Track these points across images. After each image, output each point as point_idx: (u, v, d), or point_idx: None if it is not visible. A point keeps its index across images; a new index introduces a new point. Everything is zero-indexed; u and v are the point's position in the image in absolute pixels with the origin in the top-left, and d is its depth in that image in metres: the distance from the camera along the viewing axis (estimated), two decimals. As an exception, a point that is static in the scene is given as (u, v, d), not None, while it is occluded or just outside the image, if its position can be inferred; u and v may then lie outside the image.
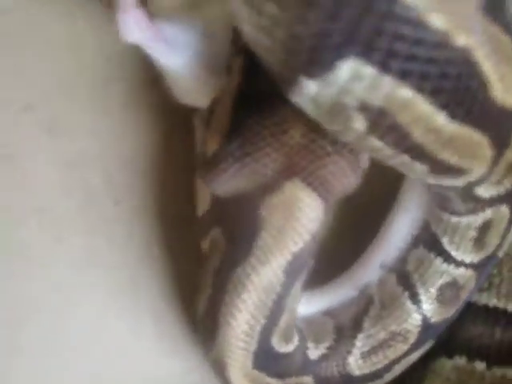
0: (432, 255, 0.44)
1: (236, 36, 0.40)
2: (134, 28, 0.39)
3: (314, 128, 0.36)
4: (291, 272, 0.39)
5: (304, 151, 0.37)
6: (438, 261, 0.44)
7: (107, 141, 0.44)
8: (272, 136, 0.36)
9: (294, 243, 0.38)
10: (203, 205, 0.41)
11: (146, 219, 0.44)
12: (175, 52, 0.41)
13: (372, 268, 0.47)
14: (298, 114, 0.36)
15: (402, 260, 0.46)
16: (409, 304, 0.45)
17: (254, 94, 0.37)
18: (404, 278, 0.45)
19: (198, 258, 0.42)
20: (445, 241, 0.44)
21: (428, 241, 0.45)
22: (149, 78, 0.44)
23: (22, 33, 0.42)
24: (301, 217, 0.37)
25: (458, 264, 0.44)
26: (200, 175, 0.39)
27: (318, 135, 0.36)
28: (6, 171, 0.42)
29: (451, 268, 0.44)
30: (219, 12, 0.41)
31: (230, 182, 0.37)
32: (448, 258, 0.44)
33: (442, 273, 0.44)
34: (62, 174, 0.43)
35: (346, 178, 0.38)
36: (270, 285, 0.39)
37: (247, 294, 0.39)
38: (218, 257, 0.40)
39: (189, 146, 0.44)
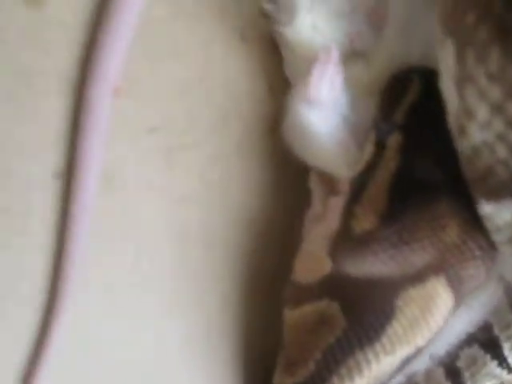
0: (488, 357, 0.45)
1: (389, 108, 0.39)
2: (327, 85, 0.37)
3: (466, 229, 0.37)
4: (405, 363, 0.38)
5: (455, 250, 0.37)
6: (493, 364, 0.45)
7: (214, 183, 0.41)
8: (431, 230, 0.36)
9: (422, 337, 0.37)
10: (312, 273, 0.39)
11: (233, 271, 0.42)
12: (329, 112, 0.39)
13: (421, 357, 0.47)
14: (454, 212, 0.36)
15: (453, 355, 0.46)
16: None
17: (412, 178, 0.37)
18: (453, 374, 0.46)
19: (275, 324, 0.40)
20: (506, 346, 0.45)
21: (486, 342, 0.45)
22: (267, 125, 0.42)
23: (160, 47, 0.38)
24: (436, 313, 0.37)
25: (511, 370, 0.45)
26: (337, 250, 0.37)
27: (468, 237, 0.37)
28: (109, 192, 0.37)
29: (504, 373, 0.45)
30: (365, 75, 0.40)
31: (374, 264, 0.36)
32: (503, 363, 0.45)
33: (493, 376, 0.45)
34: (163, 210, 0.39)
35: (479, 281, 0.38)
36: (382, 373, 0.38)
37: (360, 380, 0.37)
38: (331, 334, 0.38)
39: (295, 203, 0.42)
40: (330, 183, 0.41)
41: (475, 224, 0.36)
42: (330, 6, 0.40)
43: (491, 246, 0.37)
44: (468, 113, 0.31)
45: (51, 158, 0.36)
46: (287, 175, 0.43)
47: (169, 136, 0.39)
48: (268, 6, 0.40)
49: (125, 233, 0.38)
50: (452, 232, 0.36)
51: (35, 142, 0.35)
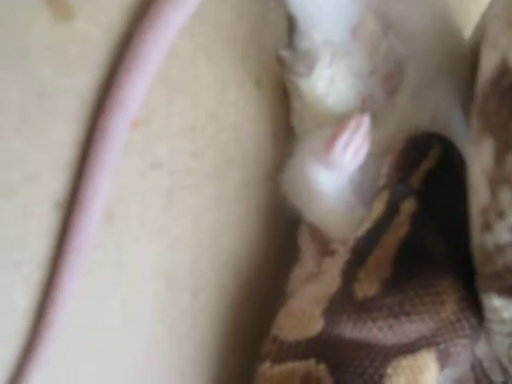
0: None
1: (407, 171, 0.38)
2: (352, 154, 0.36)
3: (462, 307, 0.37)
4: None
5: (450, 327, 0.37)
6: None
7: (207, 228, 0.39)
8: (432, 304, 0.36)
9: None
10: (299, 331, 0.38)
11: (215, 319, 0.40)
12: (337, 173, 0.38)
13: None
14: (453, 288, 0.37)
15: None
16: None
17: (420, 248, 0.37)
18: None
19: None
20: None
21: None
22: (267, 173, 0.41)
23: (178, 79, 0.36)
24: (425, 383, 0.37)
25: None
26: (335, 311, 0.36)
27: (463, 316, 0.37)
28: (105, 227, 0.35)
29: None
30: (373, 136, 0.39)
31: (371, 330, 0.36)
32: None
33: None
34: (154, 252, 0.37)
35: (463, 359, 0.38)
36: None
37: None
38: None
39: (285, 255, 0.41)
40: (322, 243, 0.40)
41: (470, 302, 0.37)
42: (350, 65, 0.39)
43: (479, 326, 0.37)
44: (499, 212, 0.31)
45: (54, 185, 0.32)
46: (279, 225, 0.41)
47: (172, 174, 0.37)
48: (285, 54, 0.39)
49: (114, 273, 0.35)
50: (449, 308, 0.36)
51: (40, 166, 0.32)
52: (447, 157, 0.38)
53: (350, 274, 0.37)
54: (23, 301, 0.32)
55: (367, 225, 0.37)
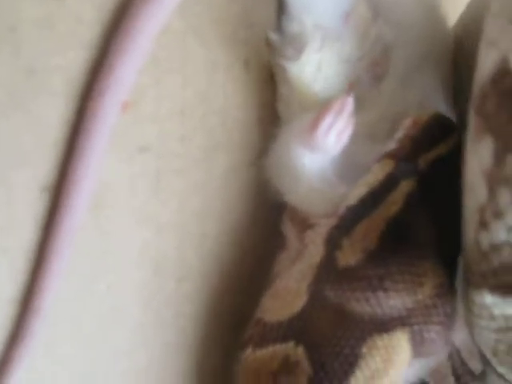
0: None
1: (417, 150, 0.37)
2: (335, 136, 0.36)
3: (439, 293, 0.37)
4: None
5: (425, 310, 0.37)
6: None
7: (192, 213, 0.38)
8: (411, 283, 0.36)
9: None
10: (282, 310, 0.37)
11: (198, 307, 0.39)
12: (321, 155, 0.38)
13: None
14: (434, 274, 0.37)
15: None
16: None
17: (408, 228, 0.37)
18: None
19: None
20: None
21: None
22: (252, 157, 0.40)
23: (168, 60, 0.35)
24: (398, 366, 0.37)
25: None
26: (320, 277, 0.36)
27: (440, 302, 0.37)
28: (92, 212, 0.34)
29: None
30: (357, 120, 0.39)
31: (350, 300, 0.36)
32: None
33: None
34: (141, 238, 0.36)
35: (439, 348, 0.38)
36: None
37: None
38: (299, 381, 0.36)
39: (268, 241, 0.40)
40: (301, 221, 0.40)
41: (447, 291, 0.37)
42: (340, 50, 0.39)
43: (453, 316, 0.38)
44: (497, 212, 0.31)
45: (42, 168, 0.31)
46: (264, 211, 0.41)
47: (159, 158, 0.36)
48: (274, 37, 0.38)
49: (100, 259, 0.34)
50: (427, 291, 0.36)
51: (27, 147, 0.31)
52: (458, 148, 0.37)
53: (333, 241, 0.36)
54: (9, 287, 0.31)
55: (361, 190, 0.37)
